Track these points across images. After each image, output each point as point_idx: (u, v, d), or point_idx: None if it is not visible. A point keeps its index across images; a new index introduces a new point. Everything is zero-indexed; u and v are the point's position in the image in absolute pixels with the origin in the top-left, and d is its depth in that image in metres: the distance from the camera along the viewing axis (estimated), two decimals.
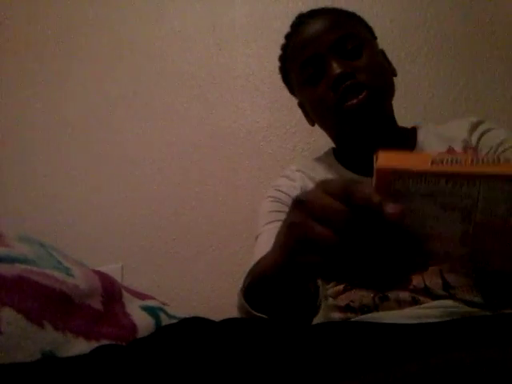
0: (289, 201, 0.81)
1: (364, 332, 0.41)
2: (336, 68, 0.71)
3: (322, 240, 0.36)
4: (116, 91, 1.46)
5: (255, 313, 0.54)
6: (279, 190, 0.83)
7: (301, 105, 0.89)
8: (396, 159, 0.36)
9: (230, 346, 0.37)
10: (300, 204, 0.39)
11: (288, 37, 0.83)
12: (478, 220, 0.34)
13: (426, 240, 0.37)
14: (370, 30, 0.83)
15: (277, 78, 1.31)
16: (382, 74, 0.77)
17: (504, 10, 1.20)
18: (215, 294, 1.24)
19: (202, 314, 0.44)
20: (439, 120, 1.17)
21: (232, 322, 0.42)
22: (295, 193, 0.81)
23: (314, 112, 0.80)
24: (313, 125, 0.88)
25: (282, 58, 0.86)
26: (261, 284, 0.53)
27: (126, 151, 1.42)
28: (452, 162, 0.34)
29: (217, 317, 0.44)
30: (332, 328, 0.43)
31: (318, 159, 0.88)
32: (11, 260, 0.49)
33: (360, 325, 0.53)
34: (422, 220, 0.36)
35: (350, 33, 0.76)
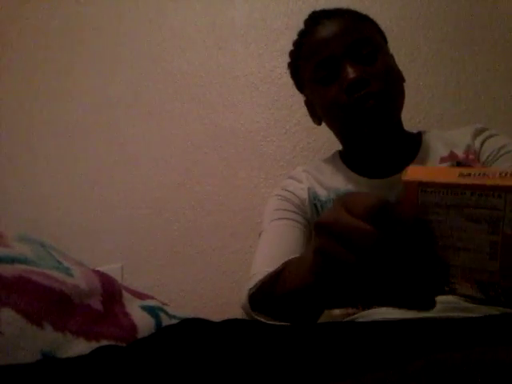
0: (296, 200, 0.81)
1: (363, 331, 0.41)
2: (351, 72, 0.71)
3: (347, 264, 0.36)
4: (116, 91, 1.46)
5: (256, 317, 0.55)
6: (286, 190, 0.84)
7: (307, 103, 0.88)
8: (423, 172, 0.37)
9: (231, 346, 0.37)
10: (323, 228, 0.39)
11: (302, 34, 0.82)
12: (507, 232, 0.34)
13: (452, 258, 0.37)
14: (382, 35, 0.83)
15: (277, 77, 1.31)
16: (396, 82, 0.77)
17: (504, 9, 1.20)
18: (215, 294, 1.24)
19: (202, 314, 0.44)
20: (438, 120, 1.18)
21: (232, 322, 0.42)
22: (302, 193, 0.82)
23: (324, 112, 0.80)
24: (319, 124, 0.88)
25: (293, 54, 0.85)
26: (286, 298, 0.53)
27: (125, 151, 1.42)
28: (479, 174, 0.34)
29: (217, 317, 0.44)
30: (331, 328, 0.43)
31: (325, 161, 0.88)
32: (11, 260, 0.49)
33: (359, 324, 0.53)
34: (449, 232, 0.36)
35: (366, 37, 0.76)
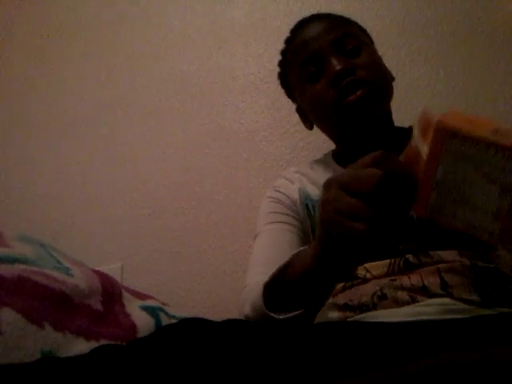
0: (288, 201, 0.81)
1: (362, 331, 0.41)
2: (336, 64, 0.72)
3: (355, 210, 0.39)
4: (116, 91, 1.46)
5: (272, 314, 0.56)
6: (278, 191, 0.84)
7: (299, 110, 0.89)
8: (460, 120, 0.36)
9: (230, 346, 0.37)
10: (332, 182, 0.42)
11: (288, 41, 0.84)
12: None
13: (457, 212, 0.38)
14: (367, 35, 0.84)
15: (276, 77, 1.31)
16: (382, 72, 0.78)
17: (504, 9, 1.20)
18: (215, 294, 1.24)
19: (201, 314, 0.45)
20: None
21: (232, 322, 0.42)
22: (294, 194, 0.82)
23: (312, 110, 0.80)
24: (311, 128, 0.88)
25: (281, 63, 0.87)
26: (295, 283, 0.54)
27: (125, 151, 1.42)
28: None
29: (217, 317, 0.44)
30: (331, 328, 0.43)
31: (317, 161, 0.89)
32: (11, 260, 0.49)
33: (358, 324, 0.53)
34: (462, 186, 0.37)
35: (350, 32, 0.77)
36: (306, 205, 0.80)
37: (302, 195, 0.81)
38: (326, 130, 0.83)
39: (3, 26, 1.60)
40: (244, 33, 1.38)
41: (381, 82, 0.76)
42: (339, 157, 0.85)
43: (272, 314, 0.56)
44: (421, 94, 1.21)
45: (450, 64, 1.21)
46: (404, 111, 1.20)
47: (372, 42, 0.85)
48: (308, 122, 0.88)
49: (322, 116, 0.79)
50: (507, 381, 0.23)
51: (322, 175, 0.82)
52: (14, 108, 1.54)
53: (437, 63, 1.22)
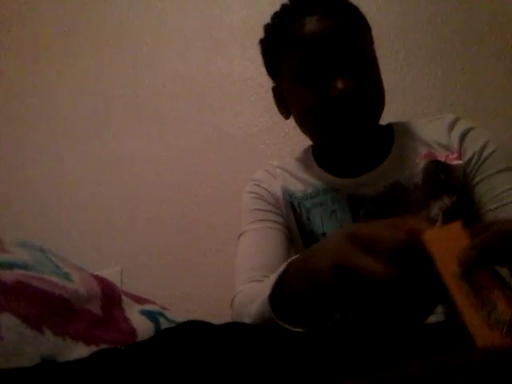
0: (270, 197, 0.80)
1: (365, 332, 0.41)
2: (341, 82, 0.67)
3: (373, 273, 0.36)
4: (115, 95, 1.47)
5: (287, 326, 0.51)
6: (259, 186, 0.82)
7: (276, 91, 0.81)
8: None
9: (231, 349, 0.37)
10: (351, 236, 0.40)
11: (291, 17, 0.72)
12: None
13: None
14: (371, 34, 0.78)
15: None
16: (382, 94, 0.74)
17: (504, 9, 1.21)
18: (215, 298, 1.24)
19: (201, 318, 0.44)
20: None
21: (231, 325, 0.42)
22: (276, 190, 0.80)
23: (300, 112, 0.75)
24: (287, 118, 0.81)
25: (274, 35, 0.76)
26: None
27: (125, 154, 1.42)
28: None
29: (216, 321, 0.44)
30: (331, 330, 0.43)
31: (298, 158, 0.85)
32: (10, 265, 0.49)
33: (359, 325, 0.53)
34: None
35: (362, 45, 0.71)
36: (291, 203, 0.79)
37: (284, 193, 0.80)
38: (307, 132, 0.78)
39: (2, 25, 1.60)
40: (242, 37, 1.38)
41: (379, 105, 0.73)
42: (318, 155, 0.83)
43: (287, 326, 0.49)
44: (420, 94, 1.21)
45: (449, 65, 1.21)
46: (403, 112, 1.20)
47: (373, 42, 0.80)
48: (285, 109, 0.79)
49: (310, 122, 0.74)
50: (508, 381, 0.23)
51: (304, 173, 0.81)
52: (13, 110, 1.54)
53: (435, 65, 1.22)
